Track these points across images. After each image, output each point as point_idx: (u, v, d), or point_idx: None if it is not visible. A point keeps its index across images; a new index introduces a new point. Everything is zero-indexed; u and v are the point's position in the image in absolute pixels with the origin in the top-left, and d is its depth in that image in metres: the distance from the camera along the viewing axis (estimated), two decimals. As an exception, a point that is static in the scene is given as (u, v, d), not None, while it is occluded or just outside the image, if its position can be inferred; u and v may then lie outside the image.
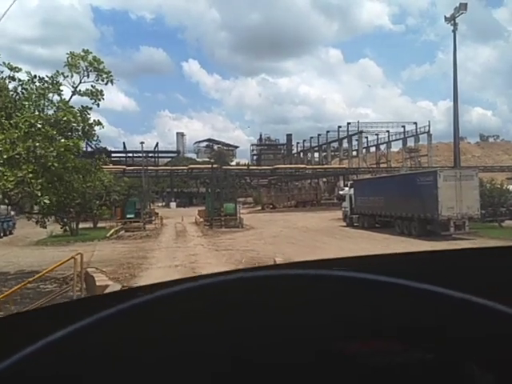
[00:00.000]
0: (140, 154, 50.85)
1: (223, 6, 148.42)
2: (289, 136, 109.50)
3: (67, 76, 9.27)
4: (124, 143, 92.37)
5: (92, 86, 9.60)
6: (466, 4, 28.73)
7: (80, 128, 9.46)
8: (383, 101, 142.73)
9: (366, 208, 27.58)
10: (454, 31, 29.64)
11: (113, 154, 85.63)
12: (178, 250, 18.58)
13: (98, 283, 9.94)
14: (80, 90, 9.56)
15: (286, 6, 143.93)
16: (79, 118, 9.21)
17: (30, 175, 8.05)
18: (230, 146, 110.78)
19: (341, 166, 79.85)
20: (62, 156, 8.34)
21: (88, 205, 10.74)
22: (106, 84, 9.53)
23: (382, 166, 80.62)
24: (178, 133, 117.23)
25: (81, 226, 29.71)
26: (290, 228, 29.75)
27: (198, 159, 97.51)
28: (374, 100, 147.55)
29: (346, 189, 35.41)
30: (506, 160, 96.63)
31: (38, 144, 8.10)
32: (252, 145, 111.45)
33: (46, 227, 10.94)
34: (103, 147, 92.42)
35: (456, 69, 30.73)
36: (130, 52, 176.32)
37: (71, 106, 9.32)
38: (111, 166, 66.86)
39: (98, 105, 9.62)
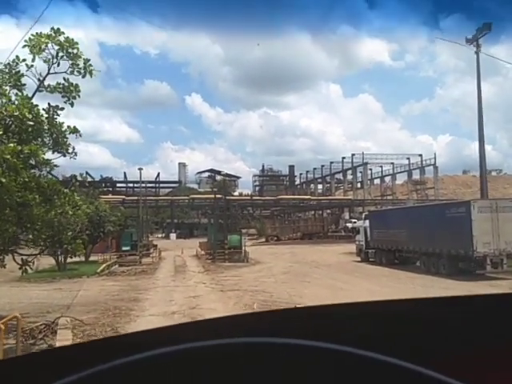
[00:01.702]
0: (141, 185, 49.02)
1: (226, 42, 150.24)
2: (291, 167, 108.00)
3: (31, 66, 7.14)
4: (125, 173, 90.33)
5: (64, 78, 7.50)
6: (491, 24, 27.21)
7: (47, 134, 7.30)
8: (383, 134, 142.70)
9: (384, 242, 25.10)
10: (477, 53, 27.94)
11: (110, 186, 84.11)
12: (176, 289, 16.07)
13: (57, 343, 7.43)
14: (49, 85, 7.45)
15: (287, 43, 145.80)
16: (43, 119, 7.03)
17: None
18: (232, 176, 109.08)
19: (346, 197, 77.73)
20: (9, 167, 6.06)
21: (57, 237, 8.44)
22: (84, 76, 7.38)
23: (387, 198, 78.40)
24: (179, 163, 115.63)
25: (69, 258, 27.29)
26: (300, 263, 27.22)
27: (199, 189, 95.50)
28: (373, 134, 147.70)
29: (360, 222, 33.03)
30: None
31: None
32: (254, 175, 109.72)
33: (4, 266, 8.65)
34: (109, 177, 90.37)
35: (480, 93, 28.92)
36: (135, 85, 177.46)
37: (35, 105, 7.16)
38: (110, 195, 65.35)
39: (72, 104, 7.48)
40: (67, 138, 7.70)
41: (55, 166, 7.73)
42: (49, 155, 7.54)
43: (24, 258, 8.45)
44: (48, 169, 7.70)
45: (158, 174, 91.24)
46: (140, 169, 38.13)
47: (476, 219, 17.94)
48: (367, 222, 28.10)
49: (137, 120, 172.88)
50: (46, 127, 7.27)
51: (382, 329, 0.72)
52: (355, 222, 59.17)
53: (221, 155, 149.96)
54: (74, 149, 7.85)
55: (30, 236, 8.37)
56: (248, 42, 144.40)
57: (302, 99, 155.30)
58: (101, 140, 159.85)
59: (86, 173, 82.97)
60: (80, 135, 7.80)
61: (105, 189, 74.56)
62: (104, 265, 23.97)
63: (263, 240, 54.27)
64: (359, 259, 28.20)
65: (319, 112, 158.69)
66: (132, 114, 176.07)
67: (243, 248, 29.41)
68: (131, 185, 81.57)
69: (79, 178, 9.03)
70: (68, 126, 7.68)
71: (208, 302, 13.01)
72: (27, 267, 8.39)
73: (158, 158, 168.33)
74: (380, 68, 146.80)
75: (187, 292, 15.24)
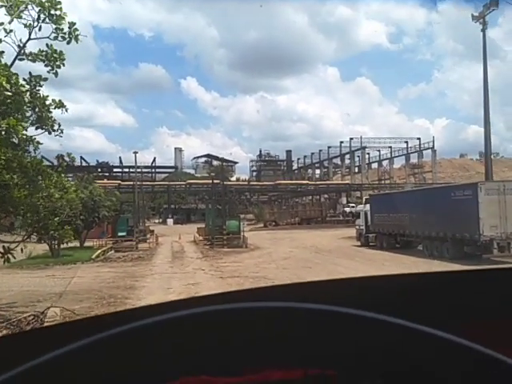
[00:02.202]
0: (137, 170, 48.20)
1: (222, 24, 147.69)
2: (288, 152, 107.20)
3: (10, 31, 6.37)
4: (120, 158, 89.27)
5: (47, 44, 6.75)
6: (498, 1, 26.26)
7: (29, 108, 6.59)
8: (380, 119, 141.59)
9: (385, 226, 24.59)
10: (483, 30, 27.09)
11: (106, 171, 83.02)
12: (174, 276, 15.50)
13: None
14: (30, 53, 6.71)
15: (284, 25, 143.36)
16: (23, 90, 6.29)
17: None
18: (229, 161, 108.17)
19: (343, 182, 77.20)
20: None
21: (42, 223, 7.77)
22: (69, 42, 6.63)
23: (384, 182, 77.92)
24: (176, 148, 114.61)
25: (64, 244, 26.67)
26: (300, 248, 26.73)
27: (196, 175, 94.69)
28: (370, 118, 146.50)
29: (360, 206, 32.49)
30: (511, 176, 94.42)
31: None
32: (251, 161, 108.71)
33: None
34: (105, 162, 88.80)
35: (486, 74, 28.10)
36: (130, 69, 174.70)
37: (14, 73, 6.42)
38: (105, 180, 64.48)
39: (56, 74, 6.74)
40: (51, 112, 7.00)
41: (38, 143, 7.04)
42: (32, 132, 6.86)
43: (6, 245, 7.80)
44: (32, 148, 7.01)
45: (154, 158, 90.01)
46: (135, 152, 37.39)
47: (483, 202, 17.37)
48: (367, 206, 27.57)
49: (131, 104, 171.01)
50: (26, 99, 6.55)
51: (413, 299, 0.73)
52: (353, 207, 58.82)
53: (217, 140, 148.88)
54: (59, 125, 7.15)
55: (15, 221, 7.71)
56: (244, 24, 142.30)
57: (300, 83, 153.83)
58: (95, 124, 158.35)
59: (81, 157, 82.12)
60: (66, 110, 7.08)
61: (100, 174, 73.67)
62: (99, 250, 23.37)
63: (261, 225, 53.80)
64: (359, 244, 27.73)
65: (316, 96, 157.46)
66: (127, 98, 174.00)
67: (242, 233, 28.87)
68: (127, 170, 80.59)
69: (67, 159, 8.31)
70: (53, 100, 6.96)
71: (207, 289, 12.46)
72: (9, 256, 7.74)
73: (153, 143, 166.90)
74: (377, 51, 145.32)
75: (186, 279, 14.68)
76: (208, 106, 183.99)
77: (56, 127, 7.14)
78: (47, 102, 6.91)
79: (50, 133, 7.11)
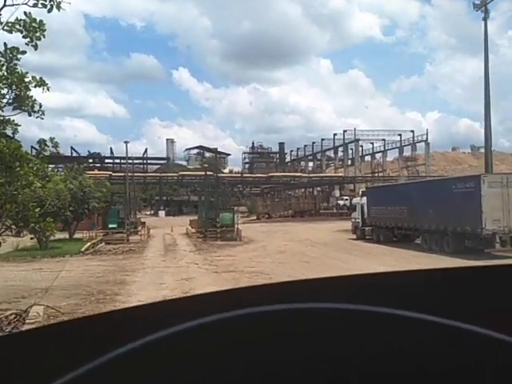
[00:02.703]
0: (129, 161, 47.20)
1: (215, 14, 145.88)
2: (281, 144, 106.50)
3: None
4: (111, 148, 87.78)
5: (26, 13, 6.00)
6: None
7: (4, 85, 5.86)
8: (372, 111, 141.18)
9: (383, 219, 24.11)
10: (484, 19, 26.50)
11: (97, 162, 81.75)
12: (166, 271, 14.85)
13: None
14: (7, 22, 5.94)
15: (277, 15, 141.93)
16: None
17: None
18: (222, 153, 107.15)
19: (337, 174, 76.81)
20: None
21: (21, 214, 7.05)
22: (50, 10, 5.86)
23: (378, 175, 77.64)
24: (167, 139, 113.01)
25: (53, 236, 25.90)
26: (294, 241, 26.21)
27: (188, 166, 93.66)
28: (363, 110, 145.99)
29: (356, 198, 32.00)
30: (504, 170, 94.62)
31: None
32: (244, 153, 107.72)
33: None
34: (97, 152, 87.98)
35: (487, 64, 27.52)
36: (121, 59, 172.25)
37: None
38: (96, 171, 63.39)
39: (36, 46, 6.00)
40: (30, 90, 6.26)
41: (17, 125, 6.32)
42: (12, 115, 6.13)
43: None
44: (10, 130, 6.29)
45: (146, 149, 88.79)
46: (126, 142, 36.40)
47: (486, 195, 16.89)
48: (364, 198, 27.08)
49: (123, 95, 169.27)
50: (1, 74, 5.80)
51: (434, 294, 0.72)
52: (347, 199, 58.55)
53: (209, 132, 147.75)
54: (40, 106, 6.41)
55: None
56: (237, 15, 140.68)
57: (292, 74, 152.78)
58: (86, 115, 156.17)
59: (71, 148, 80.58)
60: (48, 89, 6.35)
61: (91, 164, 72.51)
62: (89, 243, 22.62)
63: (254, 218, 53.26)
64: (355, 237, 27.26)
65: (309, 88, 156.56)
66: (118, 89, 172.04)
67: (236, 226, 28.27)
68: (118, 161, 79.42)
69: (49, 144, 7.55)
70: (33, 77, 6.22)
71: (202, 284, 11.84)
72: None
73: (144, 134, 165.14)
74: (371, 43, 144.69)
75: (179, 274, 14.03)
76: (200, 97, 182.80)
77: (37, 108, 6.42)
78: (26, 80, 6.18)
79: (29, 114, 6.40)
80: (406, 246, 20.99)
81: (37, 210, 7.35)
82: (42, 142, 7.48)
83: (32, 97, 6.30)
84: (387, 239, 23.68)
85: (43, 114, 6.46)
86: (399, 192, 23.27)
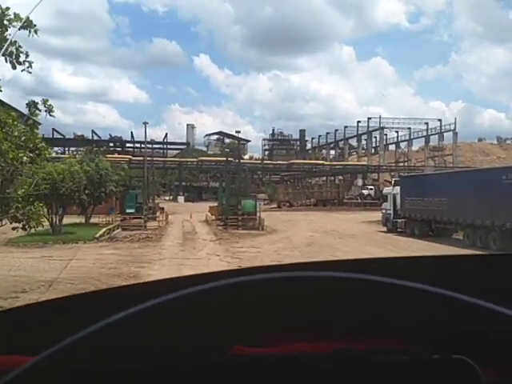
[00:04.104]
0: (148, 146, 45.95)
1: (237, 0, 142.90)
2: (302, 132, 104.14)
3: None
4: (132, 132, 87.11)
5: None
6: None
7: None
8: (395, 100, 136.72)
9: (418, 211, 22.27)
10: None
11: (119, 146, 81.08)
12: (185, 263, 13.46)
13: None
14: None
15: (300, 2, 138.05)
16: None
17: None
18: (242, 139, 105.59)
19: (360, 163, 74.43)
20: None
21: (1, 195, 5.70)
22: None
23: (404, 164, 74.95)
24: (188, 124, 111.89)
25: (70, 220, 24.84)
26: (320, 232, 24.61)
27: (208, 152, 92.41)
28: (385, 99, 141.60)
29: (387, 188, 30.09)
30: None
31: None
32: (264, 139, 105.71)
33: None
34: (118, 136, 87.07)
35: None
36: (144, 44, 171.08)
37: None
38: (116, 155, 62.61)
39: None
40: (9, 29, 4.81)
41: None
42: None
43: None
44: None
45: (166, 134, 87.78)
46: (145, 123, 34.95)
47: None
48: (397, 188, 25.20)
49: (145, 80, 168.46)
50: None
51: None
52: (371, 189, 56.47)
53: (229, 119, 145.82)
54: (27, 55, 4.96)
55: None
56: (260, 1, 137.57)
57: (314, 61, 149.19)
58: (109, 100, 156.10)
59: (92, 131, 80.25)
60: (36, 32, 4.90)
61: (112, 148, 71.88)
62: (104, 229, 21.42)
63: (274, 206, 51.75)
64: (385, 229, 25.52)
65: (330, 75, 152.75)
66: (140, 74, 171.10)
67: (258, 214, 26.78)
68: (138, 145, 78.60)
69: (42, 108, 6.08)
70: (16, 15, 4.76)
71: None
72: None
73: (165, 120, 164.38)
74: (395, 31, 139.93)
75: (199, 267, 12.61)
76: (220, 83, 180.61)
77: (23, 57, 4.95)
78: (8, 17, 4.71)
79: (14, 67, 4.96)
80: (445, 242, 19.18)
81: (21, 191, 5.94)
82: (31, 104, 6.02)
83: (16, 42, 4.86)
84: (423, 233, 21.89)
85: (31, 66, 5.02)
86: (439, 182, 21.33)
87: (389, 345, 0.66)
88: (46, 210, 20.70)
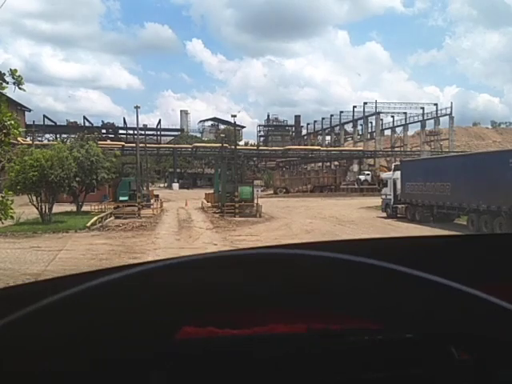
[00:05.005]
0: (141, 132, 44.87)
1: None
2: (297, 117, 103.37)
3: None
4: (124, 119, 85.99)
5: None
6: None
7: None
8: (389, 85, 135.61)
9: (419, 196, 21.70)
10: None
11: (111, 132, 79.94)
12: (180, 253, 12.80)
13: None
14: None
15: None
16: None
17: None
18: (237, 125, 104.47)
19: (356, 148, 73.82)
20: None
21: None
22: None
23: (401, 149, 74.41)
24: (181, 111, 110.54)
25: (61, 208, 24.10)
26: (319, 218, 24.06)
27: (203, 138, 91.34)
28: (380, 84, 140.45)
29: (386, 173, 29.50)
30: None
31: None
32: (259, 125, 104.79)
33: None
34: (111, 123, 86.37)
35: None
36: (135, 28, 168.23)
37: None
38: (109, 141, 61.59)
39: None
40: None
41: None
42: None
43: None
44: None
45: (159, 120, 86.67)
46: (137, 107, 33.93)
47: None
48: (397, 173, 24.59)
49: (137, 66, 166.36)
50: None
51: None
52: (368, 174, 55.92)
53: (223, 105, 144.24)
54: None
55: None
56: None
57: (308, 46, 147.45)
58: (101, 86, 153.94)
59: (84, 117, 78.89)
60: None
61: (104, 135, 70.77)
62: (96, 217, 20.68)
63: (271, 192, 51.14)
64: (385, 215, 24.99)
65: (325, 61, 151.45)
66: (132, 60, 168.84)
67: (255, 201, 26.14)
68: (131, 132, 77.46)
69: (9, 80, 5.28)
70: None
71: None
72: None
73: (158, 107, 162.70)
74: (390, 15, 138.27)
75: (195, 257, 11.98)
76: (214, 69, 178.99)
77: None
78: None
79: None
80: (449, 227, 18.66)
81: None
82: (-4, 74, 5.23)
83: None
84: (424, 218, 21.34)
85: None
86: (441, 166, 20.69)
87: (363, 325, 0.66)
88: (34, 197, 20.22)
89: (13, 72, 5.23)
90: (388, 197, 24.99)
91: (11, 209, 6.00)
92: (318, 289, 0.57)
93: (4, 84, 5.26)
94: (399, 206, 23.83)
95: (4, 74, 5.31)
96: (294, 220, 22.90)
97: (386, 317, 0.60)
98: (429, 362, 0.67)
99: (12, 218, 6.64)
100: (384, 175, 29.89)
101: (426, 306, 0.57)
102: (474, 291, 0.56)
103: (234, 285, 0.55)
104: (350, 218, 24.56)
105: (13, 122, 5.23)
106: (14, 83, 5.30)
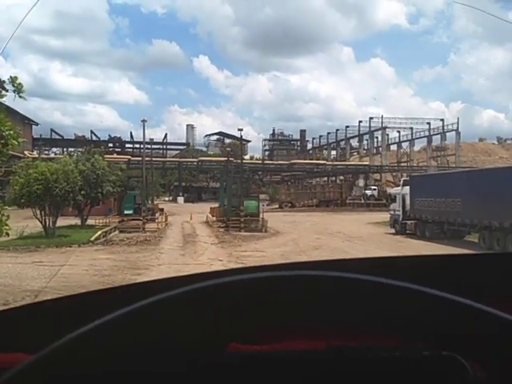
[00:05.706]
0: (148, 146, 44.89)
1: (236, 1, 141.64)
2: (302, 132, 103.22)
3: None
4: (131, 133, 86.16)
5: None
6: None
7: None
8: (395, 101, 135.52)
9: (429, 212, 21.29)
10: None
11: (118, 146, 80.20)
12: (185, 269, 12.35)
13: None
14: None
15: (300, 2, 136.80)
16: None
17: None
18: (242, 139, 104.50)
19: (363, 163, 73.46)
20: None
21: None
22: None
23: (407, 164, 74.03)
24: (187, 125, 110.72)
25: (66, 222, 23.84)
26: (326, 234, 23.63)
27: (208, 152, 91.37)
28: (385, 100, 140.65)
29: (395, 188, 29.12)
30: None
31: None
32: (264, 139, 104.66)
33: None
34: (118, 137, 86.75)
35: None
36: (143, 45, 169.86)
37: None
38: (115, 155, 61.68)
39: None
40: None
41: None
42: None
43: None
44: None
45: (166, 135, 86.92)
46: (143, 121, 33.90)
47: None
48: (406, 188, 24.21)
49: (144, 82, 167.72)
50: None
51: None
52: (375, 189, 55.47)
53: (228, 120, 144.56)
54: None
55: None
56: (259, 1, 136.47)
57: (313, 62, 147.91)
58: (109, 101, 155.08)
59: (91, 132, 79.33)
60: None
61: (111, 149, 71.04)
62: (100, 231, 20.39)
63: (276, 206, 50.75)
64: (393, 231, 24.55)
65: (330, 76, 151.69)
66: (140, 76, 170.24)
67: (261, 216, 25.79)
68: (138, 146, 77.68)
69: (9, 87, 5.06)
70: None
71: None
72: None
73: (165, 121, 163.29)
74: (395, 31, 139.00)
75: (200, 274, 11.63)
76: (220, 84, 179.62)
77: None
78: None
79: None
80: (460, 245, 18.21)
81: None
82: (-3, 82, 4.99)
83: None
84: (434, 235, 20.89)
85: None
86: (452, 181, 20.30)
87: (380, 342, 0.67)
88: (38, 211, 20.00)
89: (13, 80, 5.00)
90: (397, 212, 24.57)
91: (6, 225, 5.72)
92: (336, 307, 0.59)
93: (4, 92, 5.03)
94: (408, 222, 23.39)
95: (4, 82, 5.07)
96: (301, 235, 22.51)
97: (403, 334, 0.62)
98: (445, 379, 0.67)
99: (7, 234, 6.36)
100: (392, 190, 29.49)
101: (441, 323, 0.58)
102: (487, 308, 0.56)
103: (263, 304, 0.59)
104: (358, 233, 24.11)
105: (11, 132, 4.98)
106: (14, 91, 5.07)
